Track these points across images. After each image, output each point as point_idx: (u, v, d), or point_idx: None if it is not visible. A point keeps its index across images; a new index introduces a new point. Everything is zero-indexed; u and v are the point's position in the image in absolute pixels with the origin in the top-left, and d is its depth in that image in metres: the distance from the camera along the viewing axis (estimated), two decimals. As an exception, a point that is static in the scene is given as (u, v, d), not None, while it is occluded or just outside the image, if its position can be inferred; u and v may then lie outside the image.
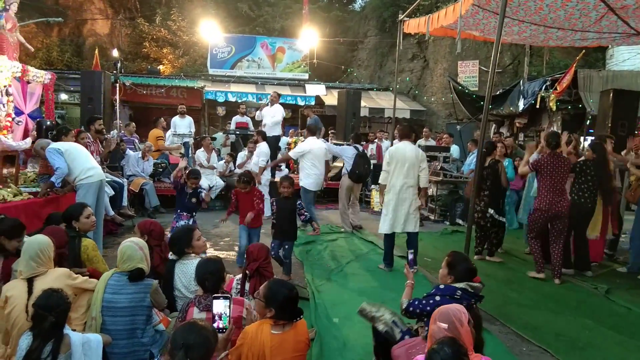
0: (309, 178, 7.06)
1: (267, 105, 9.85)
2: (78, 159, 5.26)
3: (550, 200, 5.25)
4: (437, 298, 2.81)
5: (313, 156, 7.10)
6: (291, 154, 7.67)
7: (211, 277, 2.89)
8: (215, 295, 2.61)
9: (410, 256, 3.45)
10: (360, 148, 7.48)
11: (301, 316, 2.68)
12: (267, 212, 6.59)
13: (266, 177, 8.14)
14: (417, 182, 5.49)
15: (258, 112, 10.16)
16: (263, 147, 8.10)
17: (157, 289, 3.12)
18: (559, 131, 10.50)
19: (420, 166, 5.48)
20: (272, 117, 9.57)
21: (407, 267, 3.35)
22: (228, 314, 2.51)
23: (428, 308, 2.80)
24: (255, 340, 2.56)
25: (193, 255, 3.61)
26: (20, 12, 8.37)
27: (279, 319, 2.60)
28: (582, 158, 5.73)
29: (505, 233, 6.40)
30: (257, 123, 10.38)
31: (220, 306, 2.50)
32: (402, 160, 5.43)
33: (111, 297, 2.93)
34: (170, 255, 3.70)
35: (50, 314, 2.38)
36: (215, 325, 2.48)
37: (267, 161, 8.10)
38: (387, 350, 2.85)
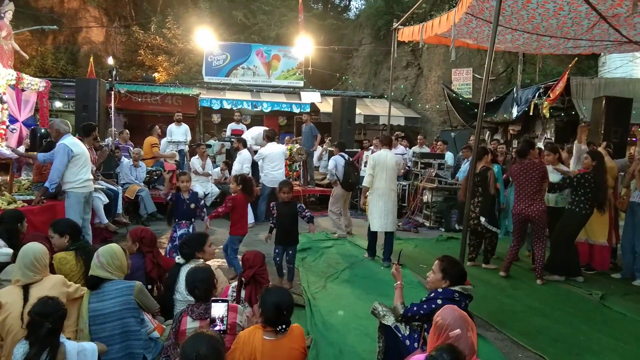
0: (267, 177, 8.24)
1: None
2: (82, 168, 5.25)
3: (521, 204, 5.54)
4: (439, 302, 2.87)
5: (270, 159, 8.20)
6: (255, 158, 8.48)
7: (201, 285, 2.90)
8: (214, 298, 2.61)
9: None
10: (346, 156, 7.73)
11: (285, 327, 2.61)
12: (251, 219, 6.67)
13: None
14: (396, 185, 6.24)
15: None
16: (245, 154, 8.45)
17: (142, 290, 3.14)
18: (550, 138, 10.65)
19: (398, 171, 6.30)
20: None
21: (397, 267, 3.37)
22: (227, 316, 2.53)
23: (429, 312, 2.85)
24: (247, 345, 2.56)
25: (201, 260, 3.66)
26: (15, 20, 8.36)
27: (267, 325, 2.61)
28: (578, 169, 5.76)
29: (498, 239, 6.38)
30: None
31: (220, 309, 2.53)
32: (384, 166, 6.05)
33: (96, 305, 2.97)
34: (177, 259, 3.72)
35: (47, 320, 2.37)
36: (217, 328, 2.48)
37: (249, 167, 8.38)
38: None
